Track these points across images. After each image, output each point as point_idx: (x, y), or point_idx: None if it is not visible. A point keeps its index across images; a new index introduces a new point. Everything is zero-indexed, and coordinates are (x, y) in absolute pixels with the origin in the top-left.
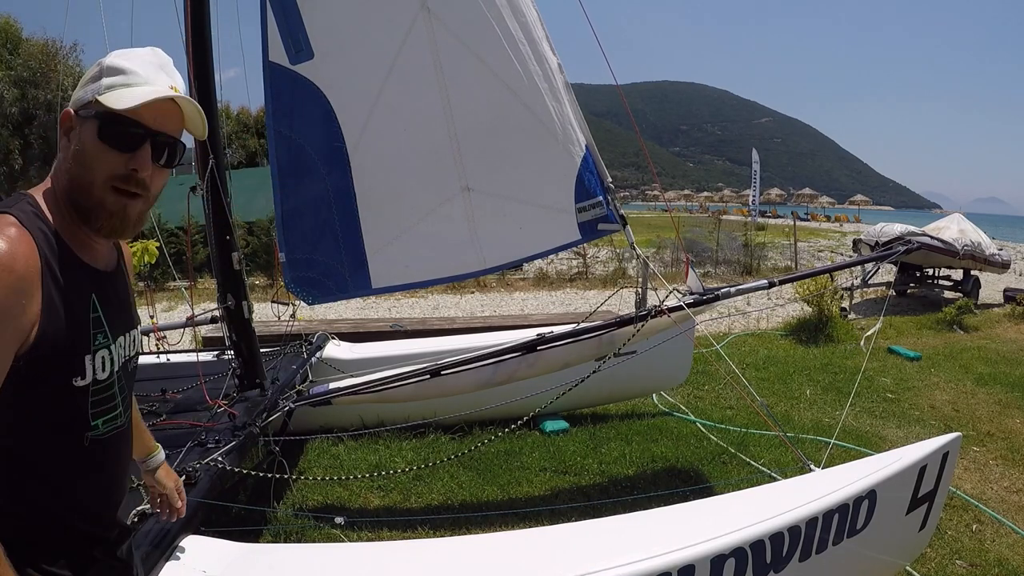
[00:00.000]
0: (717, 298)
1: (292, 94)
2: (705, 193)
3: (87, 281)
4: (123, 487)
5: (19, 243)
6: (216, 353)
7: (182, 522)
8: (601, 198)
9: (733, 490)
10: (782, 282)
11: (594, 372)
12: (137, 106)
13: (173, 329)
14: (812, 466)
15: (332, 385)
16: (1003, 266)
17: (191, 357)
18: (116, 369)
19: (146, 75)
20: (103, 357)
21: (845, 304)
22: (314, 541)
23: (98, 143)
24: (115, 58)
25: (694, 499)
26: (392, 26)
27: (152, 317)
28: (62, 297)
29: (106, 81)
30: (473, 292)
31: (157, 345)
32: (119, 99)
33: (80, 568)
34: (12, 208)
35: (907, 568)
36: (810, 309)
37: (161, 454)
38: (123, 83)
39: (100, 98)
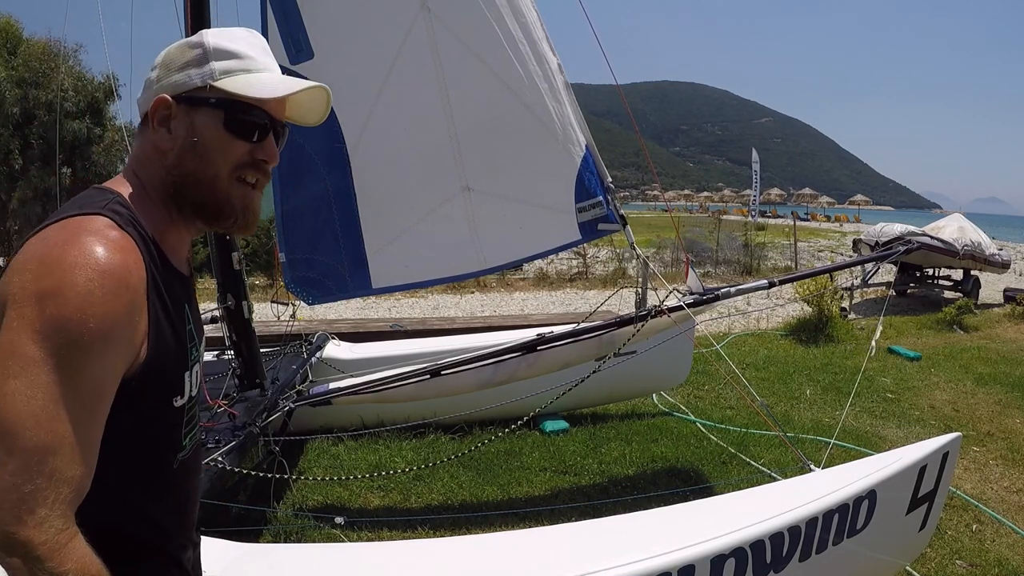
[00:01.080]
0: (717, 298)
1: None
2: (705, 193)
3: (181, 290)
4: (198, 500)
5: (128, 252)
6: (216, 353)
7: None
8: (601, 198)
9: (733, 490)
10: (782, 282)
11: (594, 372)
12: (290, 94)
13: None
14: (812, 466)
15: (332, 385)
16: (1003, 266)
17: None
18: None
19: (260, 60)
20: (196, 371)
21: (845, 304)
22: (314, 541)
23: (224, 133)
24: (220, 39)
25: (694, 499)
26: (392, 26)
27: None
28: (165, 312)
29: (218, 65)
30: (473, 292)
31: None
32: (248, 86)
33: None
34: (104, 208)
35: (907, 568)
36: (810, 309)
37: None
38: (242, 68)
39: (219, 84)
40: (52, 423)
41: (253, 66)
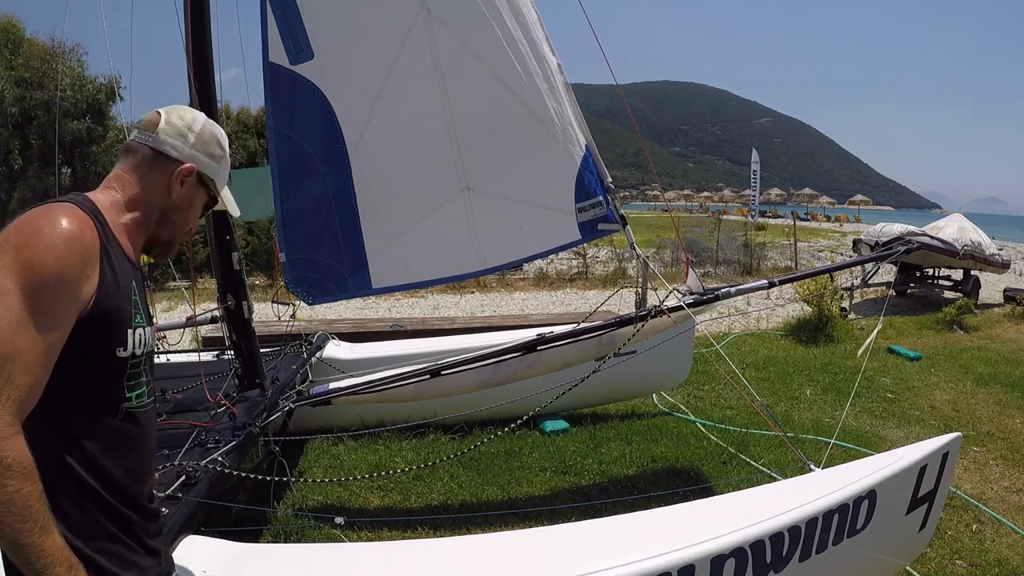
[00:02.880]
0: (717, 298)
1: (292, 94)
2: (705, 193)
3: (129, 269)
4: (152, 466)
5: (85, 223)
6: (216, 353)
7: (182, 522)
8: (601, 198)
9: (733, 490)
10: (782, 282)
11: (594, 372)
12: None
13: (173, 329)
14: (812, 466)
15: (332, 385)
16: (1003, 266)
17: (191, 357)
18: (146, 351)
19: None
20: (140, 334)
21: (845, 304)
22: (314, 541)
23: (199, 208)
24: (224, 139)
25: (694, 499)
26: (392, 26)
27: (152, 317)
28: (113, 275)
29: (221, 164)
30: (473, 292)
31: (157, 345)
32: (227, 201)
33: (118, 541)
34: (72, 200)
35: (907, 568)
36: (810, 309)
37: None
38: (223, 177)
39: (218, 184)
40: (13, 339)
41: (223, 173)
